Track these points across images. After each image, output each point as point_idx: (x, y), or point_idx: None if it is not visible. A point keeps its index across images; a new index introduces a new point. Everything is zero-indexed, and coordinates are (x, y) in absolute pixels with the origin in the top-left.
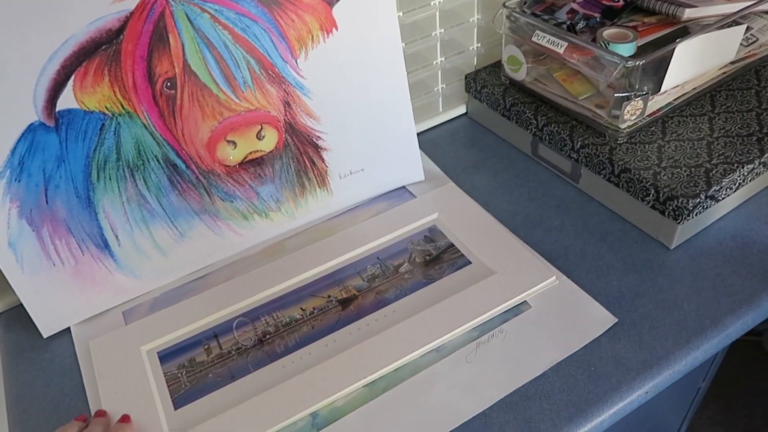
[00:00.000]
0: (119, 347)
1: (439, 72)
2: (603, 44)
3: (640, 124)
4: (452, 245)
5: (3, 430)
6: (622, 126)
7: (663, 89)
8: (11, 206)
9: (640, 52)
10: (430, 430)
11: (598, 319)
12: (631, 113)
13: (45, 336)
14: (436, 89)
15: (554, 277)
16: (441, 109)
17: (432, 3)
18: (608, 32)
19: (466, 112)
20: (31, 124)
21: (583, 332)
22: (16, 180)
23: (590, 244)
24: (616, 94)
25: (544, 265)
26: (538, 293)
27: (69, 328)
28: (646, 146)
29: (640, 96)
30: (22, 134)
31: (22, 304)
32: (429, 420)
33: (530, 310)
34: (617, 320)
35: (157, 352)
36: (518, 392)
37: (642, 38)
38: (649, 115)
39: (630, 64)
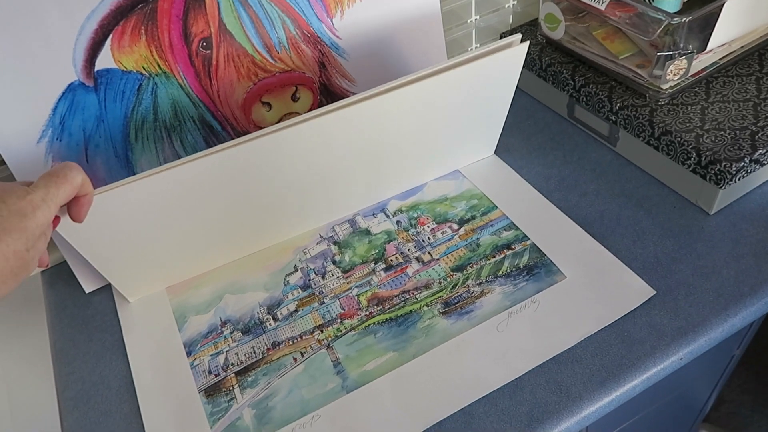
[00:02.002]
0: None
1: (474, 31)
2: (647, 0)
3: (683, 85)
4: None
5: (50, 382)
6: (664, 87)
7: (709, 47)
8: (53, 165)
9: (686, 8)
10: (459, 397)
11: (635, 290)
12: (674, 73)
13: (87, 291)
14: (470, 49)
15: (600, 249)
16: None
17: None
18: None
19: None
20: (71, 83)
21: (619, 304)
22: (57, 139)
23: (626, 208)
24: (658, 53)
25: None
26: (574, 261)
27: (110, 284)
28: (689, 108)
29: (684, 55)
30: (63, 94)
31: (62, 263)
32: (458, 386)
33: (564, 281)
34: (655, 292)
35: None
36: None
37: None
38: (692, 75)
39: (675, 20)
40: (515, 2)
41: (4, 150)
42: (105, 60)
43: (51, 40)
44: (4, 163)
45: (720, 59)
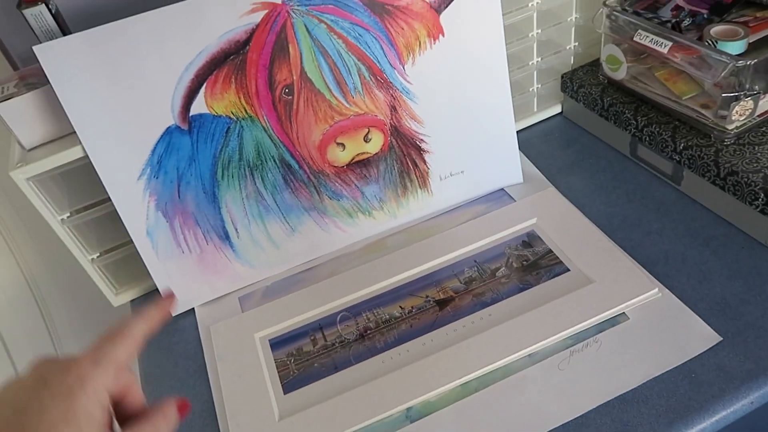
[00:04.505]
0: (236, 333)
1: (535, 72)
2: (710, 42)
3: (749, 125)
4: (550, 251)
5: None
6: (730, 127)
7: None
8: (150, 200)
9: (752, 49)
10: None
11: (700, 335)
12: (740, 114)
13: (173, 314)
14: (531, 89)
15: (656, 290)
16: (536, 109)
17: (530, 4)
18: (716, 29)
19: (561, 112)
20: (169, 127)
21: (683, 348)
22: (154, 177)
23: (692, 248)
24: (723, 94)
25: (646, 277)
26: (637, 305)
27: (194, 311)
28: (756, 147)
29: (750, 96)
30: (161, 137)
31: (150, 293)
32: (520, 422)
33: (628, 322)
34: (721, 339)
35: (269, 340)
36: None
37: (754, 34)
38: (760, 115)
39: (740, 63)
40: (576, 44)
41: (108, 185)
42: (198, 106)
43: (153, 88)
44: (109, 199)
45: None
